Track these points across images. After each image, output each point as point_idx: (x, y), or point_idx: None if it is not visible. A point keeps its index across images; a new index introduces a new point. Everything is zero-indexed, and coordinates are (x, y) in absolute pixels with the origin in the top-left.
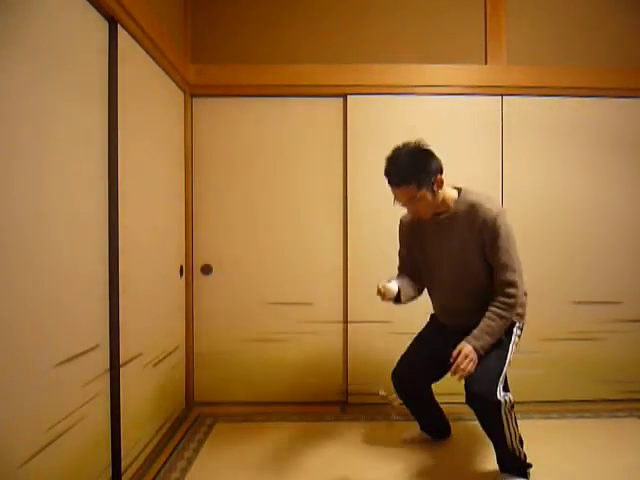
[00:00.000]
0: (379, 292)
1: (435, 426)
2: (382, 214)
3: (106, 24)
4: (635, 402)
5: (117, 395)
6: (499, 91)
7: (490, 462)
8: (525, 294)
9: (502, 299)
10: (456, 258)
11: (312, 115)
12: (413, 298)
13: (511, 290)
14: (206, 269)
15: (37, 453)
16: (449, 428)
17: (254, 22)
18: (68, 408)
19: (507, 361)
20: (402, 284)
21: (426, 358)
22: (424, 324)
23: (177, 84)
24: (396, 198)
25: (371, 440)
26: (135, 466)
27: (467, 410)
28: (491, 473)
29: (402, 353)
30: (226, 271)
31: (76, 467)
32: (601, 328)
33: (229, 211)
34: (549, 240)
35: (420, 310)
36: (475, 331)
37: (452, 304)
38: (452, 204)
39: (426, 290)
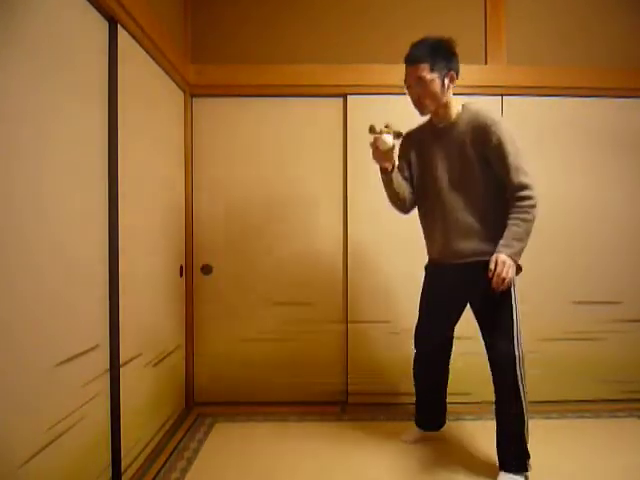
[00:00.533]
0: (372, 132)
1: (433, 413)
2: (382, 214)
3: (106, 24)
4: (635, 402)
5: (117, 395)
6: (499, 91)
7: (490, 462)
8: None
9: (521, 203)
10: (456, 169)
11: (312, 115)
12: (402, 199)
13: (528, 192)
14: (206, 269)
15: (37, 453)
16: (444, 419)
17: (254, 22)
18: (68, 408)
19: (516, 311)
20: (398, 172)
21: (439, 321)
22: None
23: (177, 84)
24: (406, 80)
25: (371, 440)
26: (135, 466)
27: (467, 410)
28: (491, 473)
29: (415, 324)
30: (226, 271)
31: (76, 467)
32: (601, 328)
33: (229, 211)
34: (549, 240)
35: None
36: (503, 240)
37: (447, 225)
38: (454, 114)
39: (419, 220)
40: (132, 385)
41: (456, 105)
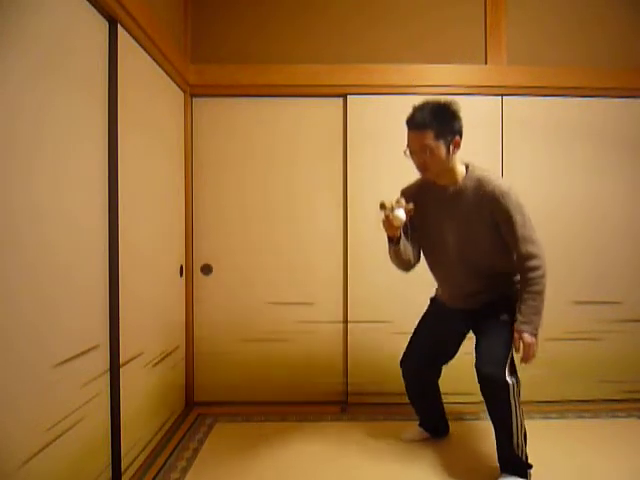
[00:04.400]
0: (383, 210)
1: (435, 422)
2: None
3: (106, 24)
4: (635, 402)
5: (117, 395)
6: (499, 91)
7: (491, 462)
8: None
9: (531, 274)
10: (463, 233)
11: (312, 115)
12: (409, 262)
13: (536, 262)
14: (206, 269)
15: (37, 453)
16: (447, 427)
17: (254, 22)
18: (68, 408)
19: (512, 341)
20: (404, 238)
21: (432, 348)
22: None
23: (177, 84)
24: (410, 145)
25: (371, 440)
26: (135, 466)
27: (467, 410)
28: (492, 473)
29: (407, 343)
30: (226, 271)
31: (76, 467)
32: (601, 328)
33: (229, 211)
34: (549, 240)
35: (420, 311)
36: (522, 317)
37: (457, 280)
38: (460, 178)
39: (428, 269)
40: (132, 385)
41: (460, 167)
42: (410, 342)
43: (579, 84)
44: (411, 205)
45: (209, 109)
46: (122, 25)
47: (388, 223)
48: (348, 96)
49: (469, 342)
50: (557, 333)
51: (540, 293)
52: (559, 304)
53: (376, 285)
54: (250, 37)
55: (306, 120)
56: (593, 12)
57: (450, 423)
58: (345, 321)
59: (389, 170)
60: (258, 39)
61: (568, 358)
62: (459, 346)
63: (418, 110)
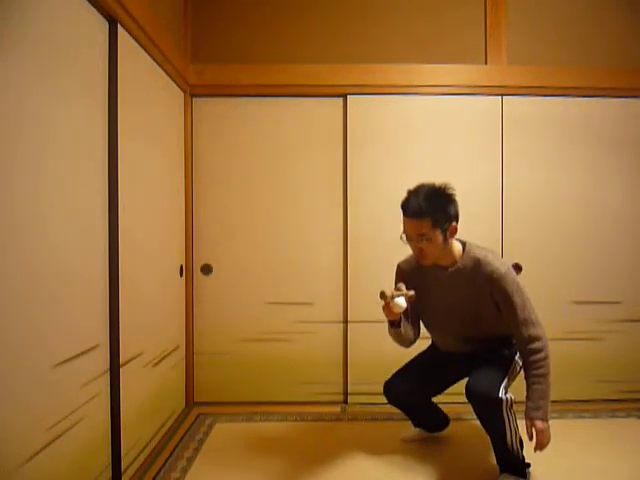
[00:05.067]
0: (383, 299)
1: (430, 423)
2: (382, 214)
3: (106, 24)
4: (634, 402)
5: (117, 395)
6: (499, 91)
7: (490, 462)
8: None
9: (534, 357)
10: (464, 312)
11: (312, 115)
12: (410, 341)
13: (538, 345)
14: (206, 269)
15: (37, 453)
16: (447, 420)
17: (254, 22)
18: (68, 408)
19: (510, 371)
20: (404, 320)
21: (423, 378)
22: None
23: (177, 84)
24: (406, 232)
25: (371, 440)
26: (135, 466)
27: (467, 410)
28: (491, 473)
29: (398, 369)
30: (226, 271)
31: (76, 467)
32: (601, 328)
33: (229, 211)
34: (549, 240)
35: None
36: (531, 403)
37: (457, 345)
38: (458, 258)
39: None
40: (132, 385)
41: (457, 248)
42: (400, 370)
43: (578, 84)
44: (412, 292)
45: (209, 109)
46: (122, 25)
47: (388, 310)
48: (348, 96)
49: None
50: (556, 333)
51: (545, 376)
52: (558, 304)
53: (376, 285)
54: (250, 37)
55: (306, 120)
56: (592, 13)
57: (450, 423)
58: (345, 321)
59: (389, 170)
60: (258, 39)
61: (567, 358)
62: (450, 384)
63: (413, 195)
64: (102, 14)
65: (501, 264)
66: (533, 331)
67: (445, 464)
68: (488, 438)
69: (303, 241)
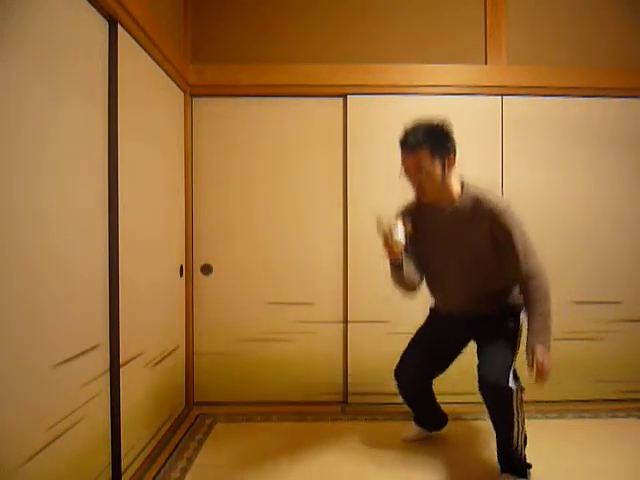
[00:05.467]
0: (380, 229)
1: (430, 420)
2: (382, 214)
3: (106, 24)
4: (634, 402)
5: (117, 395)
6: (499, 91)
7: (491, 462)
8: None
9: (535, 290)
10: (463, 251)
11: (312, 115)
12: (413, 283)
13: (539, 278)
14: (206, 269)
15: (37, 453)
16: (445, 418)
17: (254, 22)
18: (68, 408)
19: (517, 349)
20: (406, 258)
21: (428, 360)
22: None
23: (177, 84)
24: (405, 167)
25: (371, 440)
26: (135, 466)
27: (467, 410)
28: (492, 473)
29: (402, 353)
30: (226, 271)
31: (76, 467)
32: (601, 328)
33: (229, 211)
34: (549, 240)
35: (420, 310)
36: (532, 331)
37: (456, 296)
38: (456, 198)
39: (426, 285)
40: (132, 385)
41: (456, 186)
42: (406, 352)
43: (578, 84)
44: (410, 227)
45: (209, 109)
46: (122, 25)
47: (389, 248)
48: (348, 96)
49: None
50: (556, 333)
51: (547, 305)
52: (558, 304)
53: (376, 285)
54: (250, 37)
55: (306, 120)
56: (592, 13)
57: (450, 423)
58: (345, 321)
59: (389, 170)
60: (258, 39)
61: (567, 358)
62: (456, 356)
63: (411, 131)
64: (102, 14)
65: (501, 201)
66: (534, 262)
67: (445, 464)
68: (490, 437)
69: (303, 241)
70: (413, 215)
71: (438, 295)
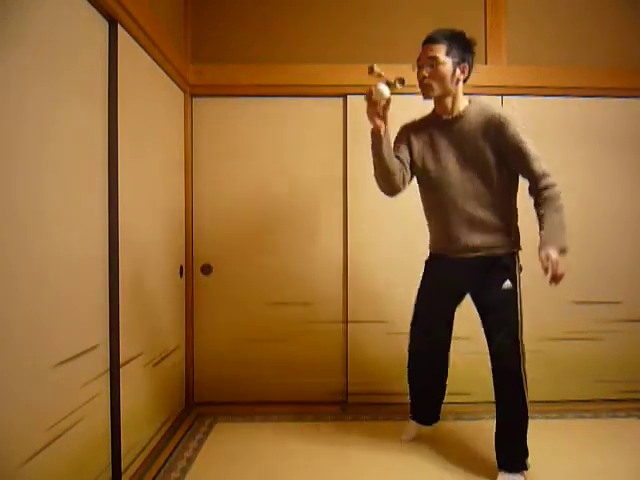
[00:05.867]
0: (371, 72)
1: (428, 407)
2: (382, 214)
3: (106, 24)
4: (635, 402)
5: (117, 395)
6: (499, 91)
7: (490, 462)
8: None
9: (550, 191)
10: (466, 159)
11: (312, 115)
12: (391, 174)
13: (552, 180)
14: (206, 269)
15: (37, 453)
16: (438, 415)
17: (254, 22)
18: (68, 408)
19: (520, 309)
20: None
21: (437, 309)
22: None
23: (177, 84)
24: (420, 58)
25: (371, 440)
26: (135, 466)
27: (467, 410)
28: (492, 473)
29: (413, 310)
30: (226, 271)
31: (76, 467)
32: (601, 328)
33: (229, 211)
34: None
35: None
36: (546, 234)
37: (458, 215)
38: (462, 107)
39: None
40: (132, 385)
41: (463, 100)
42: (415, 308)
43: (578, 84)
44: (403, 77)
45: (209, 109)
46: (122, 25)
47: (369, 97)
48: (348, 96)
49: (468, 343)
50: (556, 333)
51: (562, 208)
52: (558, 304)
53: (376, 285)
54: (250, 37)
55: (306, 120)
56: (592, 13)
57: (450, 423)
58: (345, 321)
59: None
60: (258, 39)
61: (568, 358)
62: (458, 303)
63: (437, 30)
64: (102, 14)
65: (505, 109)
66: (545, 165)
67: (445, 464)
68: (490, 437)
69: (303, 241)
70: (416, 131)
71: (436, 225)
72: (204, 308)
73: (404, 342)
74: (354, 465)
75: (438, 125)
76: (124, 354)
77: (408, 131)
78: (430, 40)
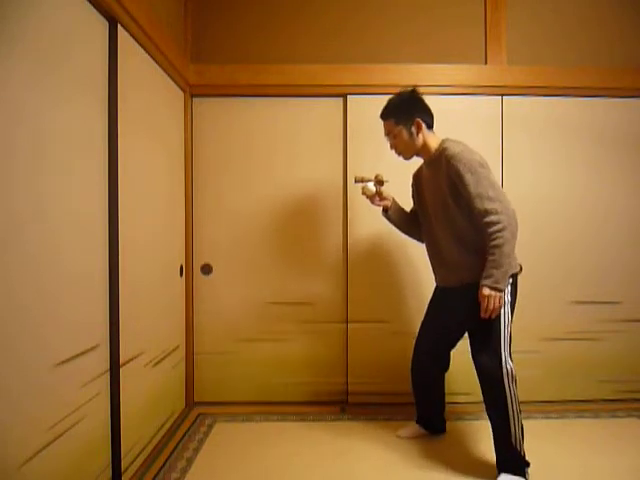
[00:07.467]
0: (356, 181)
1: (432, 418)
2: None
3: (106, 24)
4: (634, 402)
5: (117, 395)
6: (499, 91)
7: (490, 462)
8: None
9: (489, 230)
10: (436, 203)
11: (312, 115)
12: (407, 231)
13: (492, 217)
14: (206, 269)
15: (37, 453)
16: (444, 426)
17: (254, 22)
18: (68, 408)
19: (505, 321)
20: (402, 210)
21: (435, 337)
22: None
23: (177, 84)
24: (384, 132)
25: (371, 440)
26: (135, 466)
27: (467, 410)
28: (490, 473)
29: (417, 335)
30: (226, 271)
31: (76, 467)
32: (601, 328)
33: (229, 211)
34: (549, 240)
35: (420, 310)
36: (484, 272)
37: (438, 252)
38: (434, 150)
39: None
40: (132, 385)
41: (436, 143)
42: (418, 334)
43: (579, 84)
44: (383, 179)
45: (209, 109)
46: (122, 25)
47: (370, 199)
48: (348, 96)
49: (465, 343)
50: (557, 333)
51: (499, 246)
52: (559, 304)
53: (376, 285)
54: (250, 37)
55: (306, 120)
56: (593, 12)
57: (449, 423)
58: (345, 321)
59: (389, 170)
60: (258, 39)
61: (568, 358)
62: (461, 335)
63: (386, 104)
64: (102, 14)
65: (457, 147)
66: (488, 205)
67: (445, 464)
68: (490, 437)
69: (303, 241)
70: (416, 177)
71: (428, 251)
72: (204, 308)
73: (404, 342)
74: (354, 465)
75: (425, 166)
76: (124, 354)
77: (414, 178)
78: (381, 117)
